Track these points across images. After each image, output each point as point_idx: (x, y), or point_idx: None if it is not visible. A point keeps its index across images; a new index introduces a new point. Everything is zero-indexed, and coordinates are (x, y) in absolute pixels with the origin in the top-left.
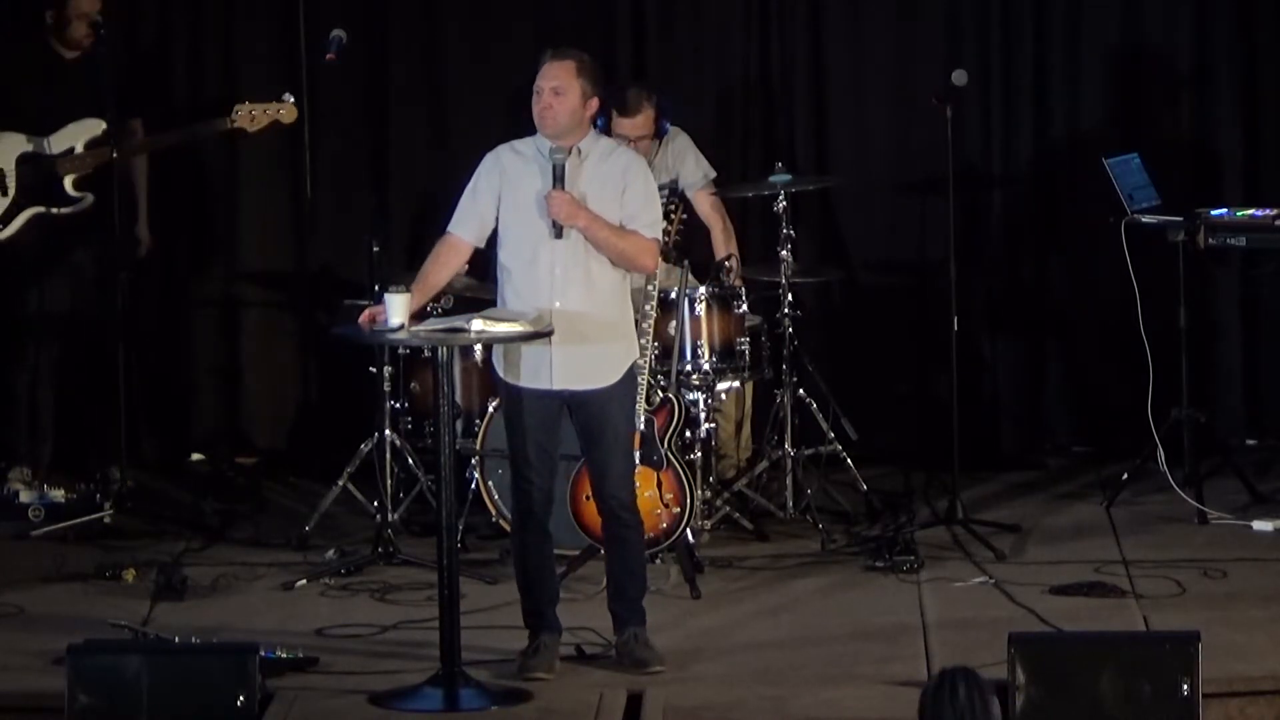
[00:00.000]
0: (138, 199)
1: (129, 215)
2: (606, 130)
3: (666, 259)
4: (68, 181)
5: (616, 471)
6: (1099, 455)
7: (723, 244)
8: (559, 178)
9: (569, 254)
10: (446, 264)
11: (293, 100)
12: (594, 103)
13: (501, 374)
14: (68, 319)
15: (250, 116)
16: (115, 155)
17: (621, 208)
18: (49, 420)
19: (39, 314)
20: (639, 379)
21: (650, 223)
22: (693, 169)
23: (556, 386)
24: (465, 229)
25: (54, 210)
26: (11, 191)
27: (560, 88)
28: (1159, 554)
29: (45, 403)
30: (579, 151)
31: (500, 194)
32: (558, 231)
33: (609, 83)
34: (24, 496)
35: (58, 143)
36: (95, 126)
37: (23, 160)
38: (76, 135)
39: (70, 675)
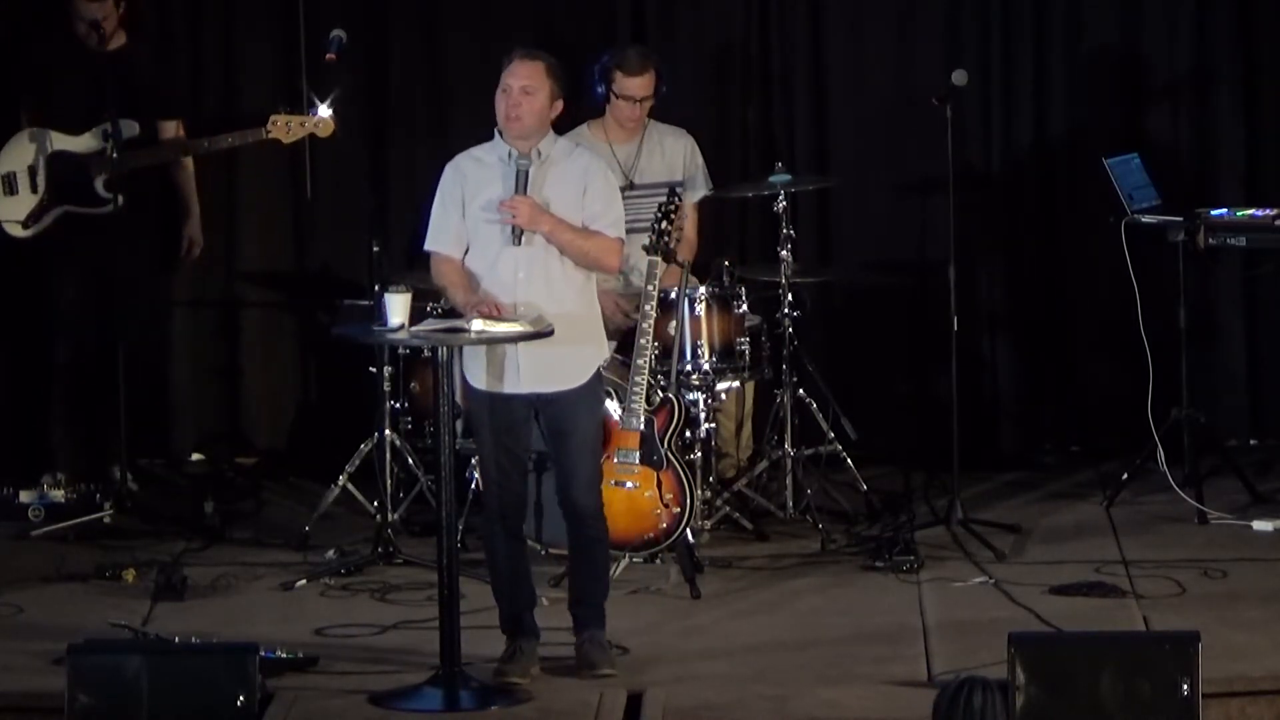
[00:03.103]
0: (188, 199)
1: (178, 215)
2: (606, 99)
3: (667, 259)
4: (98, 182)
5: (583, 476)
6: (1098, 455)
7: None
8: (522, 184)
9: (531, 256)
10: (460, 272)
11: (331, 114)
12: (559, 105)
13: (469, 379)
14: (97, 321)
15: (286, 128)
16: (116, 159)
17: (583, 208)
18: (82, 423)
19: (68, 315)
20: (639, 378)
21: (612, 222)
22: (702, 182)
23: (524, 390)
24: (444, 244)
25: (84, 210)
26: (42, 189)
27: (530, 87)
28: (1159, 554)
29: (75, 407)
30: (539, 154)
31: (464, 202)
32: (517, 238)
33: (609, 45)
34: (24, 496)
35: (89, 142)
36: (128, 128)
37: (55, 158)
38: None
39: (70, 675)
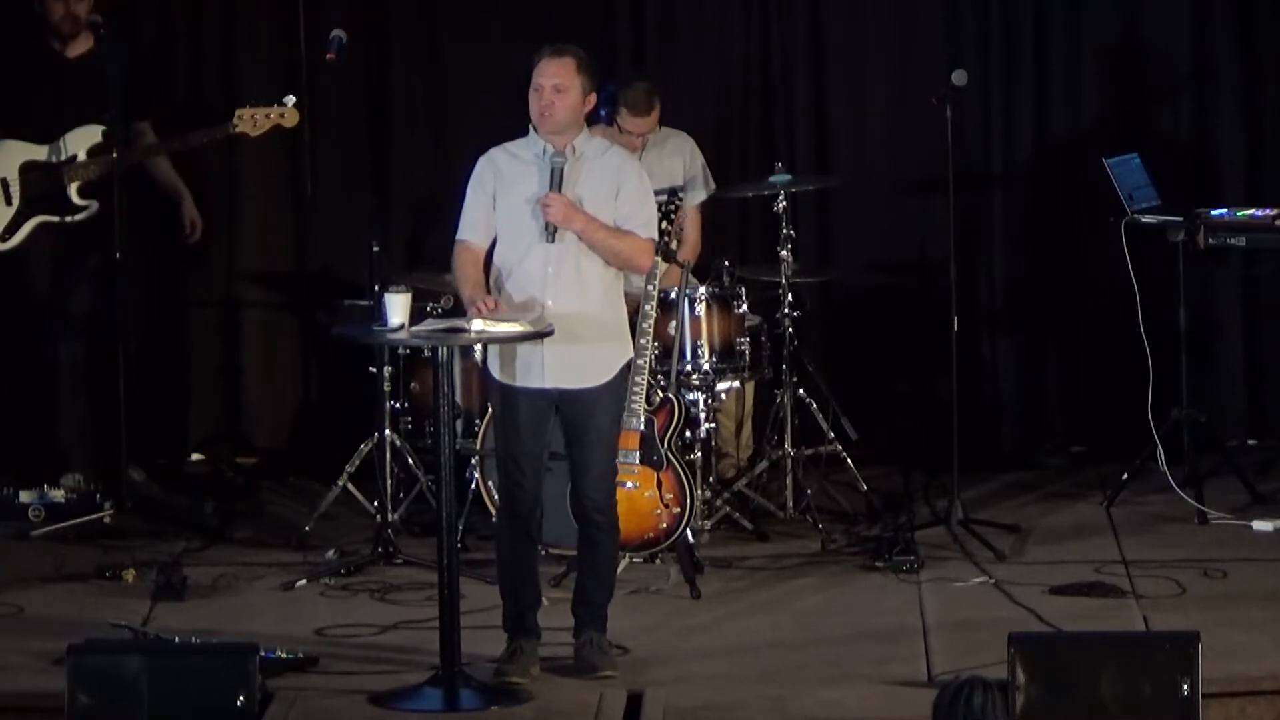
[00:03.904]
0: (175, 186)
1: (169, 207)
2: (610, 122)
3: (668, 259)
4: (73, 189)
5: (595, 471)
6: (1098, 455)
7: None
8: (557, 181)
9: (561, 253)
10: (477, 266)
11: (294, 103)
12: (592, 99)
13: (494, 374)
14: (92, 324)
15: (252, 121)
16: (116, 158)
17: (616, 208)
18: (90, 425)
19: (64, 321)
20: (639, 378)
21: (645, 222)
22: (703, 183)
23: (548, 385)
24: (475, 234)
25: (60, 219)
26: (16, 201)
27: (561, 85)
28: (1159, 554)
29: (83, 409)
30: (574, 150)
31: (495, 195)
32: (550, 235)
33: (613, 76)
34: (24, 496)
35: (61, 150)
36: (98, 132)
37: (27, 168)
38: (80, 142)
39: (70, 675)
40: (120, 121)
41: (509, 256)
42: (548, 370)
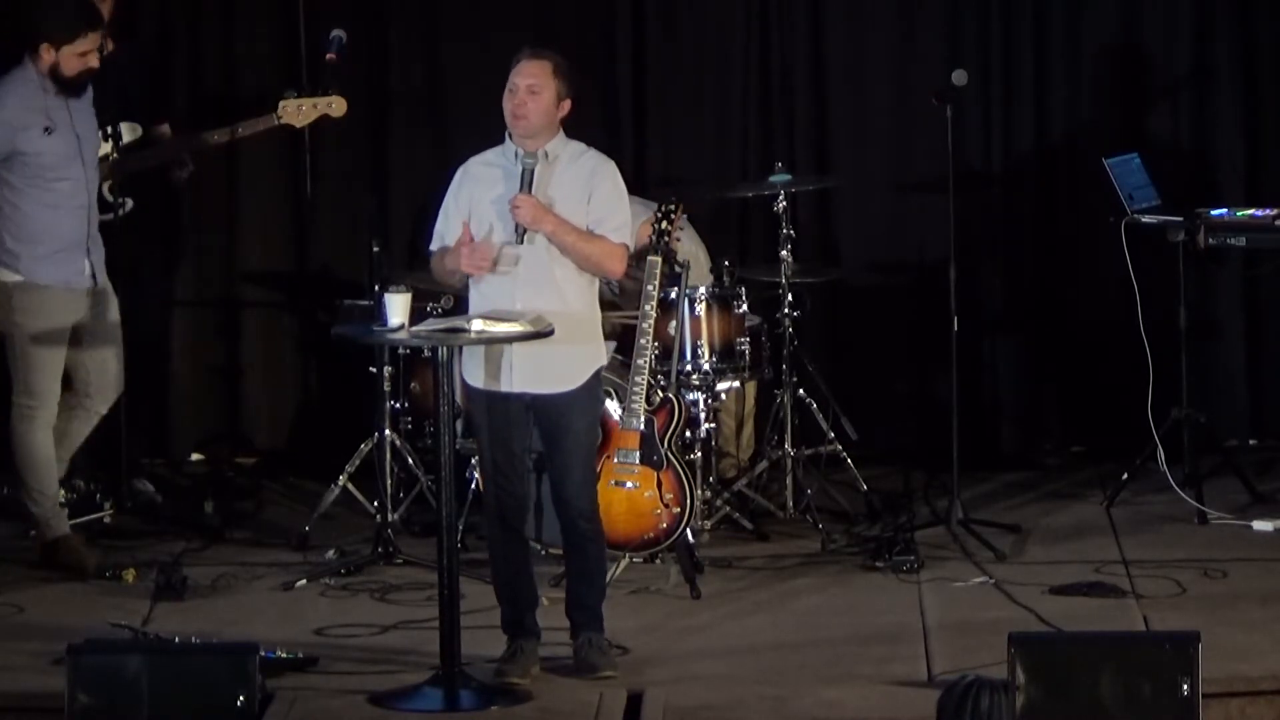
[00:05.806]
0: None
1: (179, 214)
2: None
3: (667, 259)
4: (105, 187)
5: (575, 478)
6: (1098, 455)
7: None
8: (527, 183)
9: (533, 257)
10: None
11: (338, 92)
12: (566, 105)
13: (469, 379)
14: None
15: (298, 112)
16: (116, 159)
17: (588, 212)
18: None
19: None
20: (639, 378)
21: (617, 227)
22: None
23: (516, 389)
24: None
25: (102, 218)
26: None
27: (536, 86)
28: (1159, 554)
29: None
30: (546, 154)
31: (470, 207)
32: (520, 237)
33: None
34: None
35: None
36: (131, 130)
37: None
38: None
39: (70, 675)
40: (117, 122)
41: None
42: (516, 375)
